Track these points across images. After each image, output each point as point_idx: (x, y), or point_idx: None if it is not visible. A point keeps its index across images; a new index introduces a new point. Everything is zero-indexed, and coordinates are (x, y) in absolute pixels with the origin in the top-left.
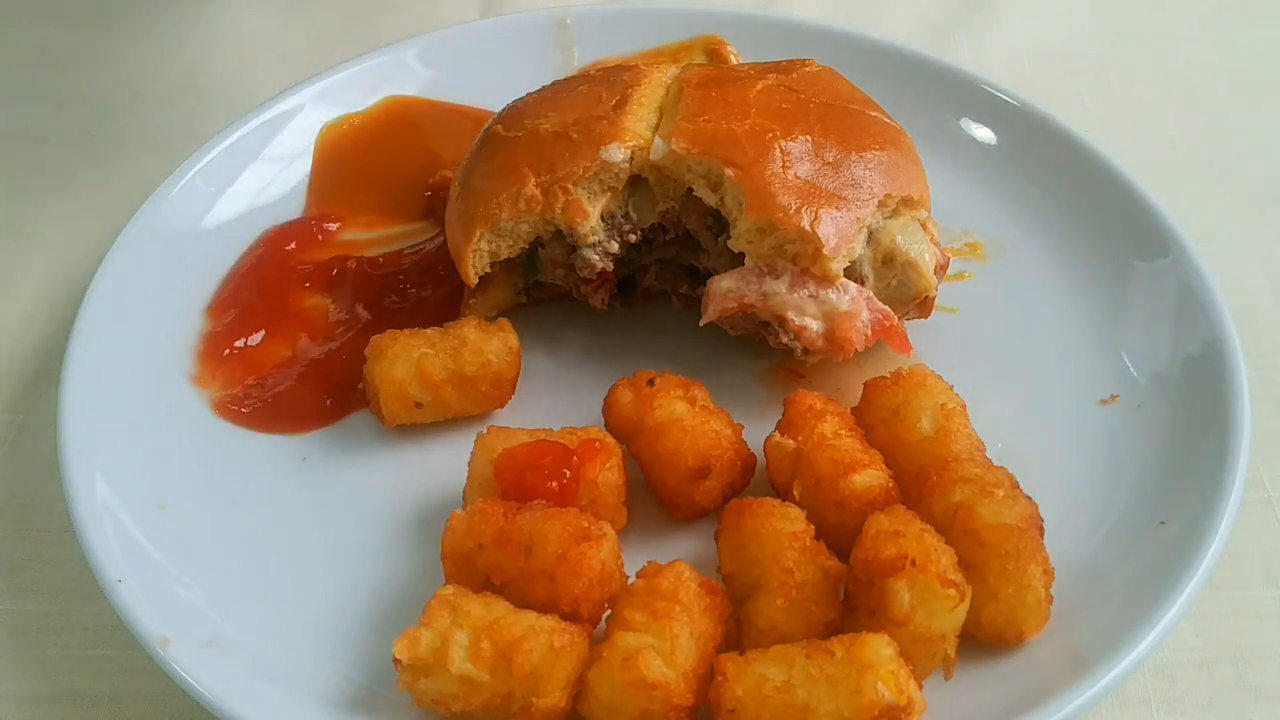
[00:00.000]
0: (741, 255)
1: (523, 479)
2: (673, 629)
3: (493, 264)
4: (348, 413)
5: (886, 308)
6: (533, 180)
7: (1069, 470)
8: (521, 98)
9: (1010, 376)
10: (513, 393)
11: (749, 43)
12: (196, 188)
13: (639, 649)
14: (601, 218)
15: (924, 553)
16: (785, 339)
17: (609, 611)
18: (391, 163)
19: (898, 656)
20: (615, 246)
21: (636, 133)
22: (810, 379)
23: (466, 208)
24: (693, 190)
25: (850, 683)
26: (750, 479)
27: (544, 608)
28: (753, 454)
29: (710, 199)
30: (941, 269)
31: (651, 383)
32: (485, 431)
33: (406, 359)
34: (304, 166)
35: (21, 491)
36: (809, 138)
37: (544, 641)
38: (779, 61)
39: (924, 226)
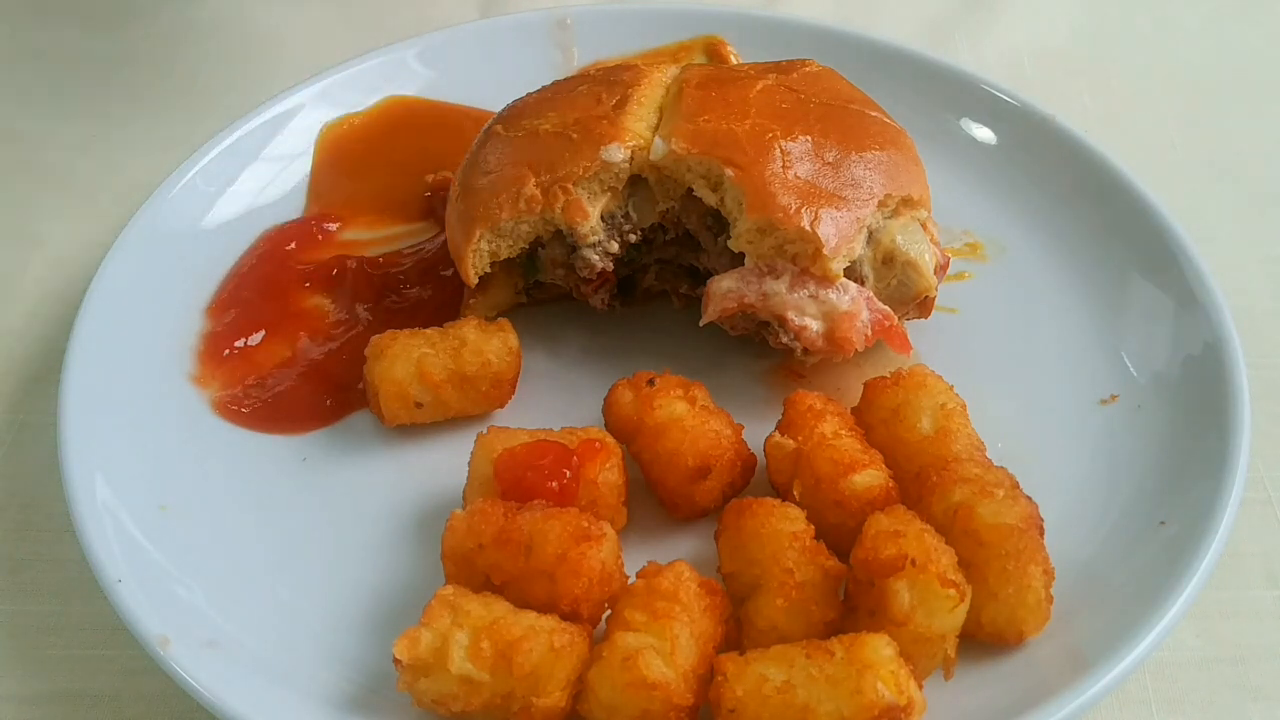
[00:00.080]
0: (741, 255)
1: (523, 479)
2: (673, 629)
3: (493, 264)
4: (348, 413)
5: (886, 308)
6: (533, 180)
7: (1069, 470)
8: (521, 98)
9: (1010, 376)
10: (513, 393)
11: (749, 43)
12: (196, 188)
13: (639, 649)
14: (601, 218)
15: (924, 553)
16: (785, 339)
17: (609, 611)
18: (391, 163)
19: (898, 656)
20: (615, 246)
21: (636, 133)
22: (810, 379)
23: (466, 208)
24: (693, 190)
25: (850, 683)
26: (750, 479)
27: (544, 608)
28: (753, 454)
29: (710, 199)
30: (941, 269)
31: (651, 383)
32: (485, 431)
33: (406, 359)
34: (304, 166)
35: (21, 491)
36: (809, 138)
37: (544, 641)
38: (779, 61)
39: (924, 226)
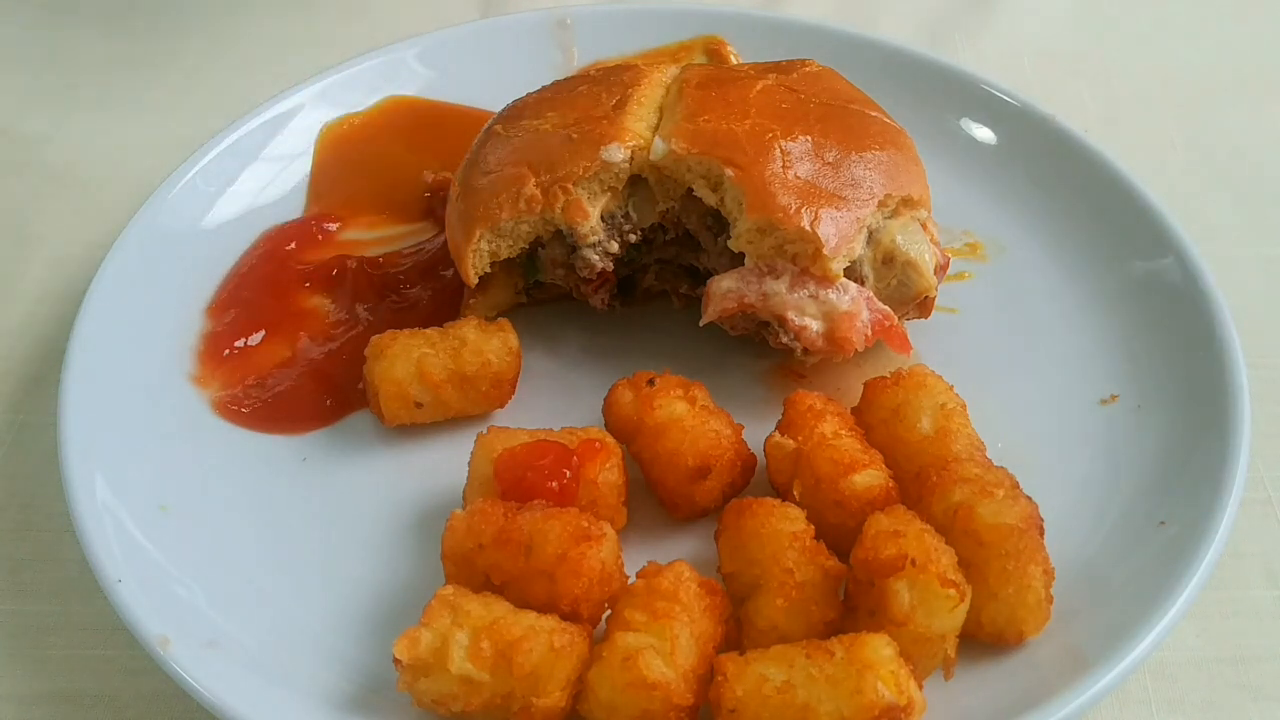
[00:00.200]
0: (741, 255)
1: (523, 479)
2: (673, 629)
3: (493, 264)
4: (348, 413)
5: (886, 308)
6: (533, 180)
7: (1069, 470)
8: (521, 98)
9: (1010, 376)
10: (513, 393)
11: (749, 43)
12: (196, 188)
13: (639, 649)
14: (601, 218)
15: (924, 553)
16: (785, 339)
17: (609, 611)
18: (391, 163)
19: (898, 656)
20: (615, 246)
21: (636, 133)
22: (810, 379)
23: (466, 208)
24: (693, 190)
25: (850, 683)
26: (750, 479)
27: (544, 608)
28: (753, 454)
29: (710, 199)
30: (941, 269)
31: (651, 383)
32: (485, 431)
33: (406, 359)
34: (304, 166)
35: (21, 491)
36: (809, 138)
37: (544, 641)
38: (779, 61)
39: (924, 226)
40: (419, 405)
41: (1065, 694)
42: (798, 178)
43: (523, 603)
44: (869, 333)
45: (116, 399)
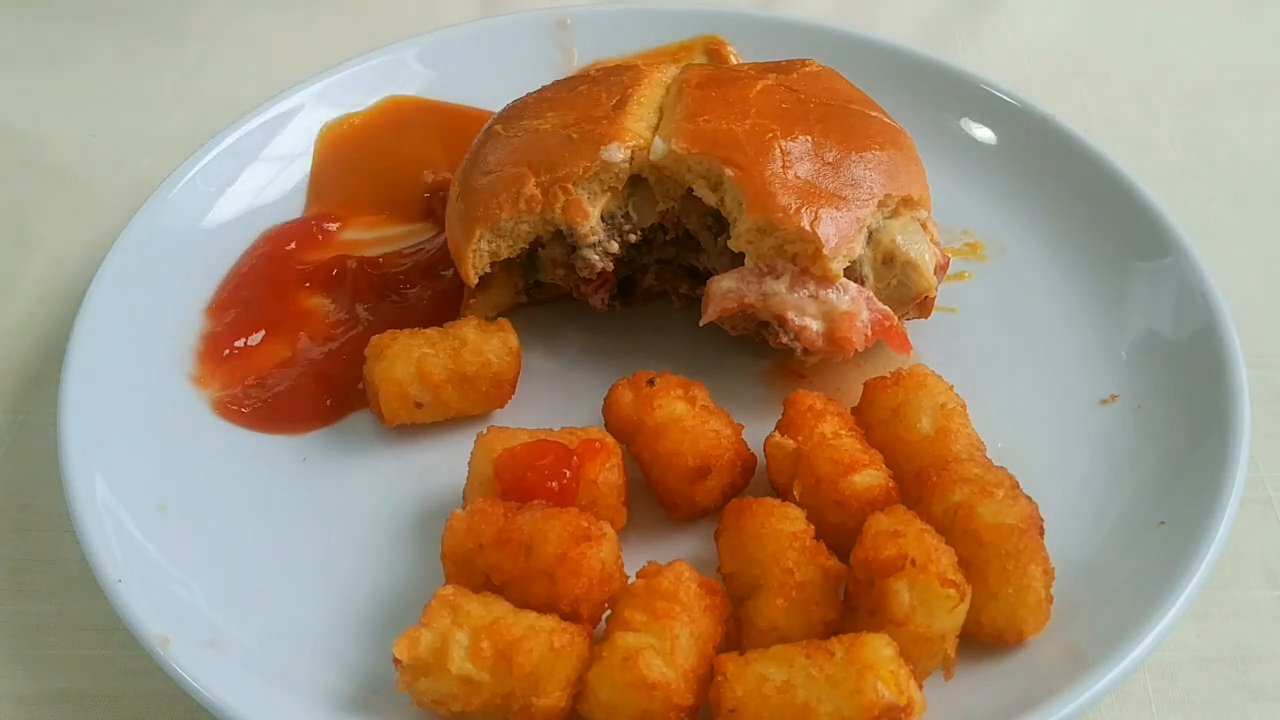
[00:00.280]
0: (741, 255)
1: (523, 479)
2: (673, 629)
3: (493, 264)
4: (348, 413)
5: (886, 308)
6: (533, 180)
7: (1069, 470)
8: (521, 98)
9: (1010, 376)
10: (513, 393)
11: (749, 43)
12: (196, 188)
13: (639, 649)
14: (601, 218)
15: (924, 553)
16: (785, 339)
17: (609, 611)
18: (391, 163)
19: (898, 656)
20: (615, 246)
21: (636, 133)
22: (810, 379)
23: (466, 208)
24: (693, 190)
25: (850, 683)
26: (750, 479)
27: (544, 608)
28: (753, 454)
29: (710, 199)
30: (941, 269)
31: (651, 383)
32: (485, 431)
33: (406, 359)
34: (304, 166)
35: (21, 491)
36: (809, 138)
37: (544, 641)
38: (779, 61)
39: (924, 226)
40: (419, 405)
41: (1065, 694)
42: (798, 178)
43: (523, 603)
44: (869, 333)
45: (116, 399)
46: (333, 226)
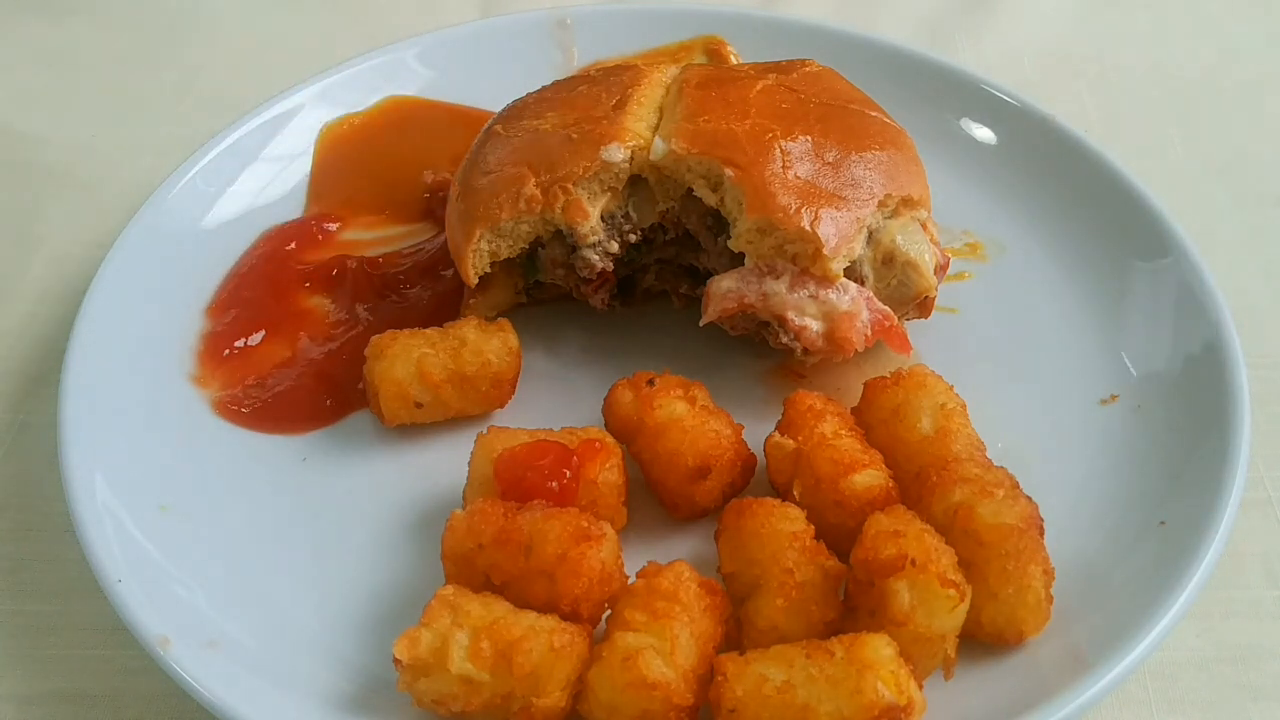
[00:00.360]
0: (741, 255)
1: (523, 479)
2: (673, 629)
3: (493, 264)
4: (348, 413)
5: (886, 308)
6: (533, 180)
7: (1069, 470)
8: (521, 98)
9: (1010, 376)
10: (513, 393)
11: (749, 43)
12: (196, 188)
13: (639, 649)
14: (601, 218)
15: (924, 553)
16: (785, 339)
17: (609, 611)
18: (391, 163)
19: (898, 656)
20: (615, 246)
21: (636, 133)
22: (810, 379)
23: (466, 208)
24: (693, 190)
25: (850, 683)
26: (750, 479)
27: (544, 608)
28: (753, 454)
29: (710, 199)
30: (941, 269)
31: (651, 383)
32: (485, 431)
33: (406, 359)
34: (304, 166)
35: (21, 491)
36: (809, 138)
37: (544, 641)
38: (779, 61)
39: (924, 226)
40: (419, 405)
41: (1065, 694)
42: (798, 178)
43: (523, 603)
44: (869, 333)
45: (116, 399)
46: (333, 226)
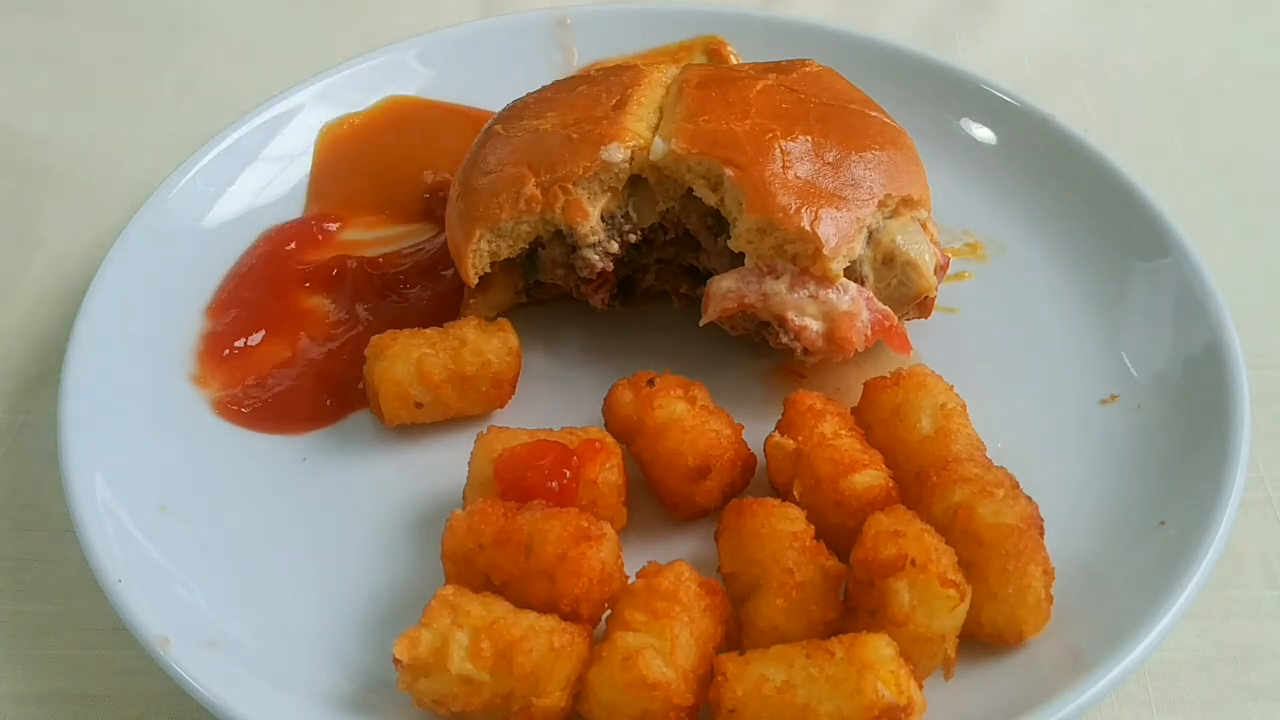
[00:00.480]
0: (741, 255)
1: (523, 479)
2: (673, 629)
3: (493, 264)
4: (348, 413)
5: (886, 308)
6: (533, 180)
7: (1069, 470)
8: (521, 98)
9: (1010, 376)
10: (513, 393)
11: (749, 43)
12: (196, 188)
13: (639, 649)
14: (601, 218)
15: (924, 553)
16: (785, 339)
17: (609, 611)
18: (391, 163)
19: (898, 656)
20: (615, 246)
21: (636, 133)
22: (810, 379)
23: (466, 208)
24: (693, 190)
25: (850, 683)
26: (750, 479)
27: (544, 608)
28: (753, 454)
29: (710, 199)
30: (941, 269)
31: (651, 383)
32: (485, 431)
33: (406, 359)
34: (304, 166)
35: (21, 491)
36: (809, 138)
37: (544, 641)
38: (779, 61)
39: (924, 226)
40: (419, 405)
41: (1065, 694)
42: (798, 178)
43: (523, 603)
44: (869, 333)
45: (116, 399)
46: (333, 226)
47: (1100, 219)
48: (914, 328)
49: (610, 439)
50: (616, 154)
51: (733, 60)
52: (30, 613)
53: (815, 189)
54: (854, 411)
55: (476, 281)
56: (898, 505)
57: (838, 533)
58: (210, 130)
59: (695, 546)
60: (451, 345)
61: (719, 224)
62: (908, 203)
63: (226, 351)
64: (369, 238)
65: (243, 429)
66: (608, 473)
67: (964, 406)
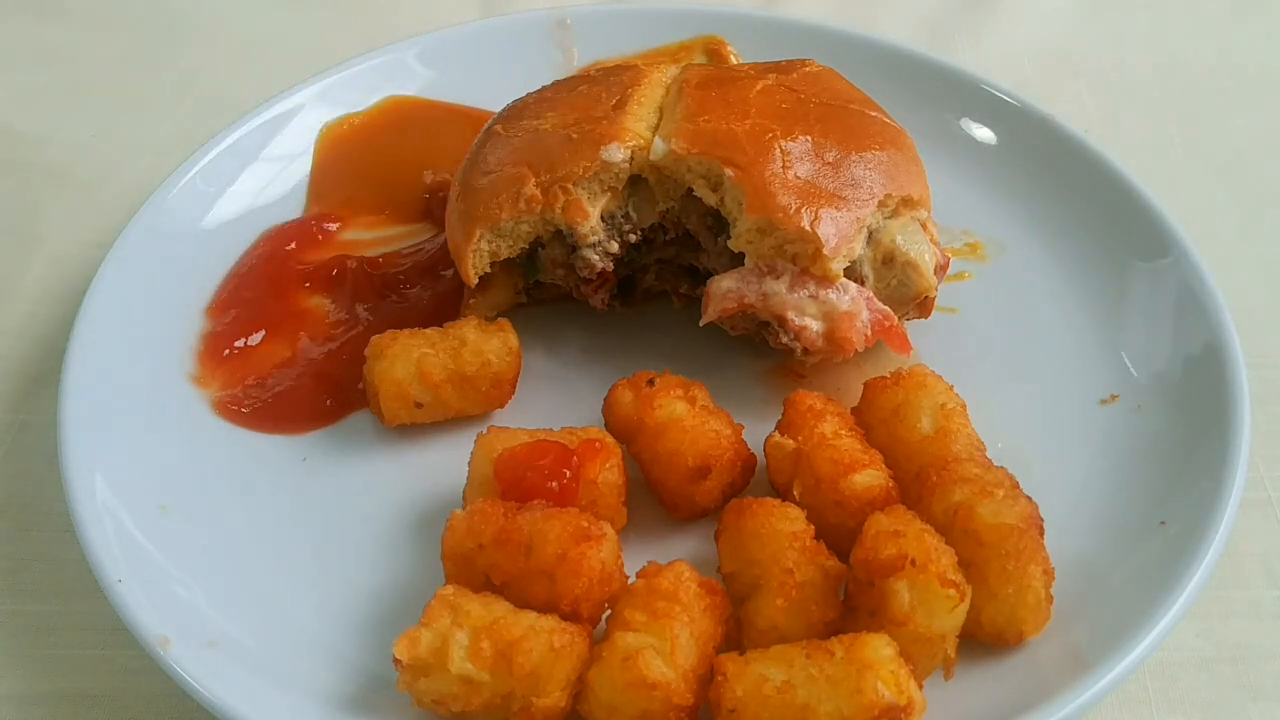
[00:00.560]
0: (741, 255)
1: (523, 479)
2: (673, 629)
3: (493, 264)
4: (348, 413)
5: (886, 308)
6: (533, 180)
7: (1069, 470)
8: (521, 98)
9: (1010, 376)
10: (513, 393)
11: (749, 43)
12: (196, 188)
13: (639, 649)
14: (601, 218)
15: (924, 553)
16: (785, 339)
17: (609, 611)
18: (391, 163)
19: (898, 656)
20: (615, 246)
21: (636, 133)
22: (810, 379)
23: (466, 208)
24: (693, 190)
25: (850, 683)
26: (750, 479)
27: (544, 608)
28: (753, 454)
29: (710, 199)
30: (941, 269)
31: (651, 383)
32: (485, 431)
33: (406, 359)
34: (304, 166)
35: (21, 491)
36: (809, 138)
37: (544, 641)
38: (779, 61)
39: (924, 226)
40: (419, 405)
41: (1065, 694)
42: (798, 178)
43: (523, 603)
44: (869, 333)
45: (116, 399)
46: (333, 226)
47: (1100, 219)
48: (914, 328)
49: (610, 439)
50: (616, 154)
51: (733, 60)
52: (30, 613)
53: (815, 189)
54: (854, 411)
55: (476, 281)
56: (898, 505)
57: (838, 533)
58: (210, 130)
59: (695, 546)
60: (451, 345)
61: (719, 224)
62: (908, 203)
63: (226, 351)
64: (369, 238)
65: (243, 429)
66: (608, 473)
67: (964, 406)
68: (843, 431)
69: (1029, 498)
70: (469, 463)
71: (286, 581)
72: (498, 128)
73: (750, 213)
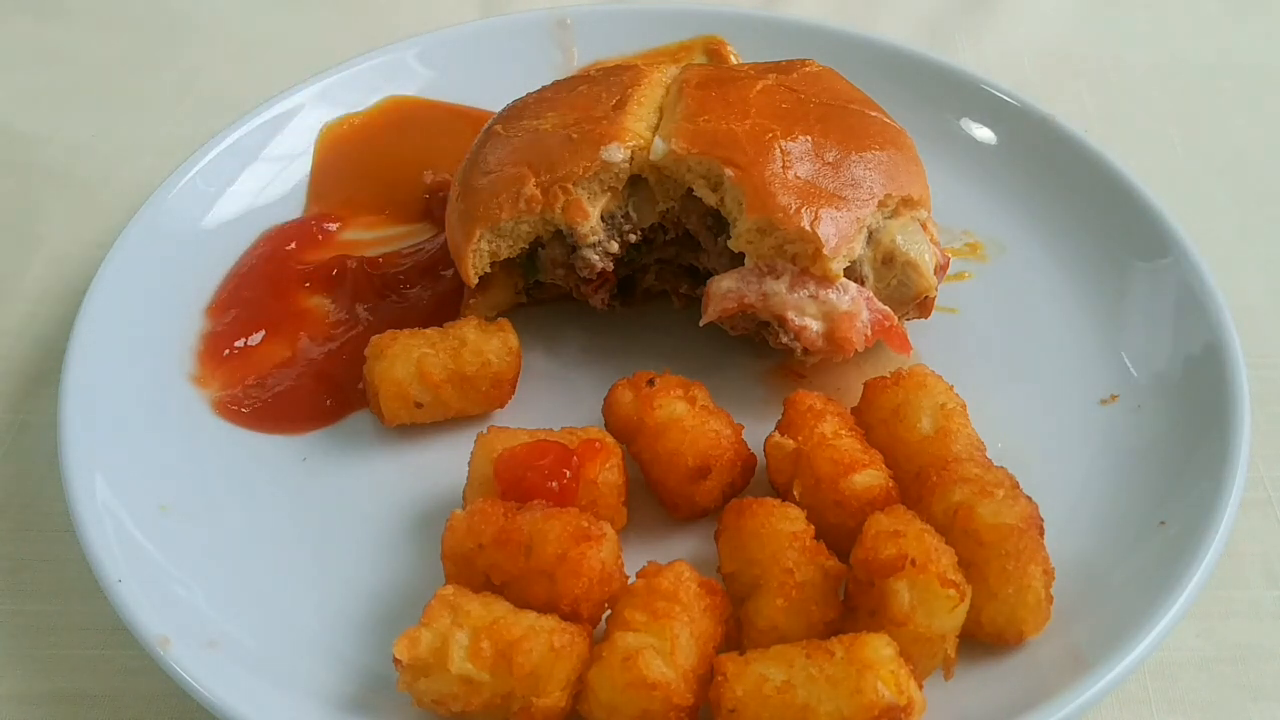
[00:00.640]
0: (741, 255)
1: (523, 479)
2: (673, 629)
3: (493, 264)
4: (348, 413)
5: (886, 308)
6: (533, 180)
7: (1069, 470)
8: (521, 98)
9: (1010, 376)
10: (513, 393)
11: (749, 43)
12: (196, 188)
13: (639, 649)
14: (601, 218)
15: (924, 553)
16: (785, 339)
17: (609, 611)
18: (391, 163)
19: (898, 656)
20: (615, 246)
21: (636, 133)
22: (810, 379)
23: (466, 208)
24: (693, 190)
25: (850, 683)
26: (750, 479)
27: (544, 608)
28: (753, 454)
29: (710, 199)
30: (941, 269)
31: (651, 383)
32: (485, 431)
33: (406, 359)
34: (304, 166)
35: (21, 491)
36: (809, 138)
37: (544, 641)
38: (779, 61)
39: (924, 226)
40: (419, 405)
41: (1065, 694)
42: (798, 178)
43: (523, 603)
44: (869, 333)
45: (116, 399)
46: (333, 226)
47: (1100, 219)
48: (914, 328)
49: (610, 439)
50: (616, 154)
51: (733, 60)
52: (30, 613)
53: (815, 189)
54: (854, 411)
55: (476, 281)
56: (898, 505)
57: (838, 533)
58: (210, 130)
59: (695, 546)
60: (451, 345)
61: (719, 224)
62: (908, 203)
63: (226, 351)
64: (369, 238)
65: (243, 429)
66: (608, 473)
67: (964, 406)
68: (843, 431)
69: (1029, 498)
70: (469, 463)
71: (286, 581)
72: (498, 128)
73: (750, 213)
